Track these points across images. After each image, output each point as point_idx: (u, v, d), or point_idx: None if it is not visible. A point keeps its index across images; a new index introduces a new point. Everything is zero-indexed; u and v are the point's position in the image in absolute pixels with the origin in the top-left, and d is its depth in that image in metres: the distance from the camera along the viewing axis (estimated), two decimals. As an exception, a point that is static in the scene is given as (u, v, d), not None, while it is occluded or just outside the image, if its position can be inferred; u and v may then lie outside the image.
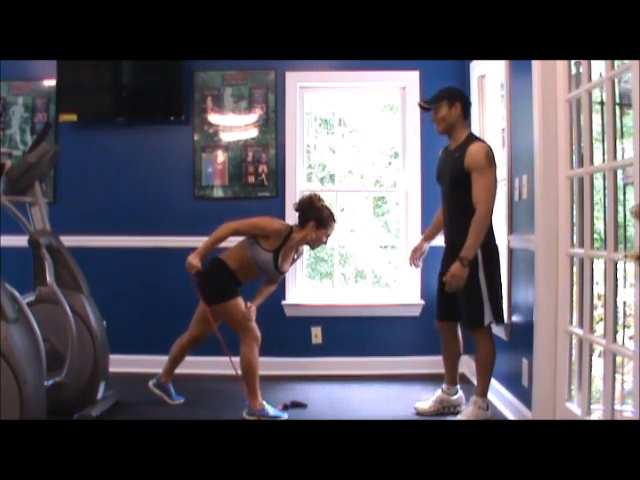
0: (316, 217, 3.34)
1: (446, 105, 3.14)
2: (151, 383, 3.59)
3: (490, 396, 3.58)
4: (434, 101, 3.19)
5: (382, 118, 5.26)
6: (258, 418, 3.25)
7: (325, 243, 3.45)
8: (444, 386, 3.45)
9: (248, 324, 3.30)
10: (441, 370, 3.51)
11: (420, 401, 3.52)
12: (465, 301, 3.10)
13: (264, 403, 3.30)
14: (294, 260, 3.55)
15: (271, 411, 3.29)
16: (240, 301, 3.32)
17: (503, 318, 3.17)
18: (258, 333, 3.32)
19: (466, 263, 2.97)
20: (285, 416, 3.32)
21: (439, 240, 3.73)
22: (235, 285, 3.37)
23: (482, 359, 3.16)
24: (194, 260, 3.20)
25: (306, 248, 3.79)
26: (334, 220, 3.42)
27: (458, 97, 3.17)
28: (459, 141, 3.15)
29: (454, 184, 3.13)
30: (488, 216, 3.00)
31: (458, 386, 3.45)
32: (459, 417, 3.20)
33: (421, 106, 3.29)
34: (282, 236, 3.33)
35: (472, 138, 3.15)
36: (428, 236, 3.59)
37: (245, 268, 3.36)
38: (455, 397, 3.42)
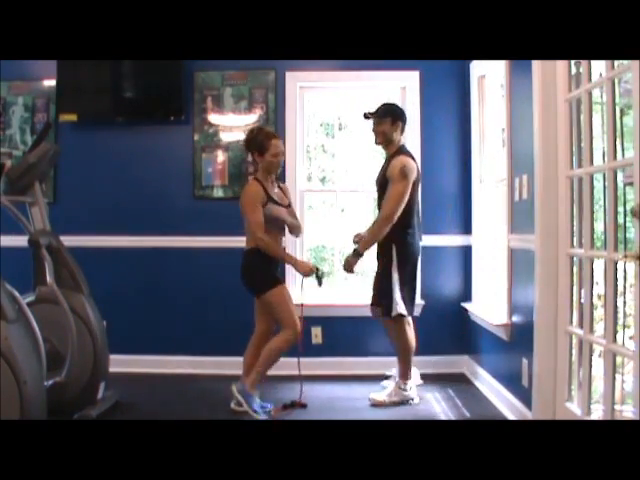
0: (256, 147, 3.36)
1: (389, 122, 3.51)
2: (235, 389, 3.36)
3: (490, 396, 3.59)
4: (380, 115, 3.53)
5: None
6: (240, 400, 3.26)
7: (280, 161, 3.42)
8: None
9: (291, 316, 3.27)
10: (441, 370, 3.52)
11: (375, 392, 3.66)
12: (379, 292, 3.51)
13: (256, 396, 3.30)
14: (289, 205, 3.52)
15: (255, 405, 3.26)
16: (282, 288, 3.32)
17: (412, 310, 3.54)
18: (299, 328, 3.28)
19: (355, 255, 3.46)
20: (262, 417, 3.24)
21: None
22: (272, 270, 3.36)
23: (397, 346, 3.57)
24: (304, 267, 3.37)
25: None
26: (274, 137, 3.41)
27: (400, 117, 3.57)
28: (390, 153, 3.56)
29: (380, 189, 3.56)
30: (389, 219, 3.39)
31: (410, 380, 3.57)
32: (377, 396, 3.48)
33: (365, 115, 3.59)
34: (259, 188, 3.33)
35: (398, 152, 3.52)
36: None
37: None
38: (406, 393, 3.53)
